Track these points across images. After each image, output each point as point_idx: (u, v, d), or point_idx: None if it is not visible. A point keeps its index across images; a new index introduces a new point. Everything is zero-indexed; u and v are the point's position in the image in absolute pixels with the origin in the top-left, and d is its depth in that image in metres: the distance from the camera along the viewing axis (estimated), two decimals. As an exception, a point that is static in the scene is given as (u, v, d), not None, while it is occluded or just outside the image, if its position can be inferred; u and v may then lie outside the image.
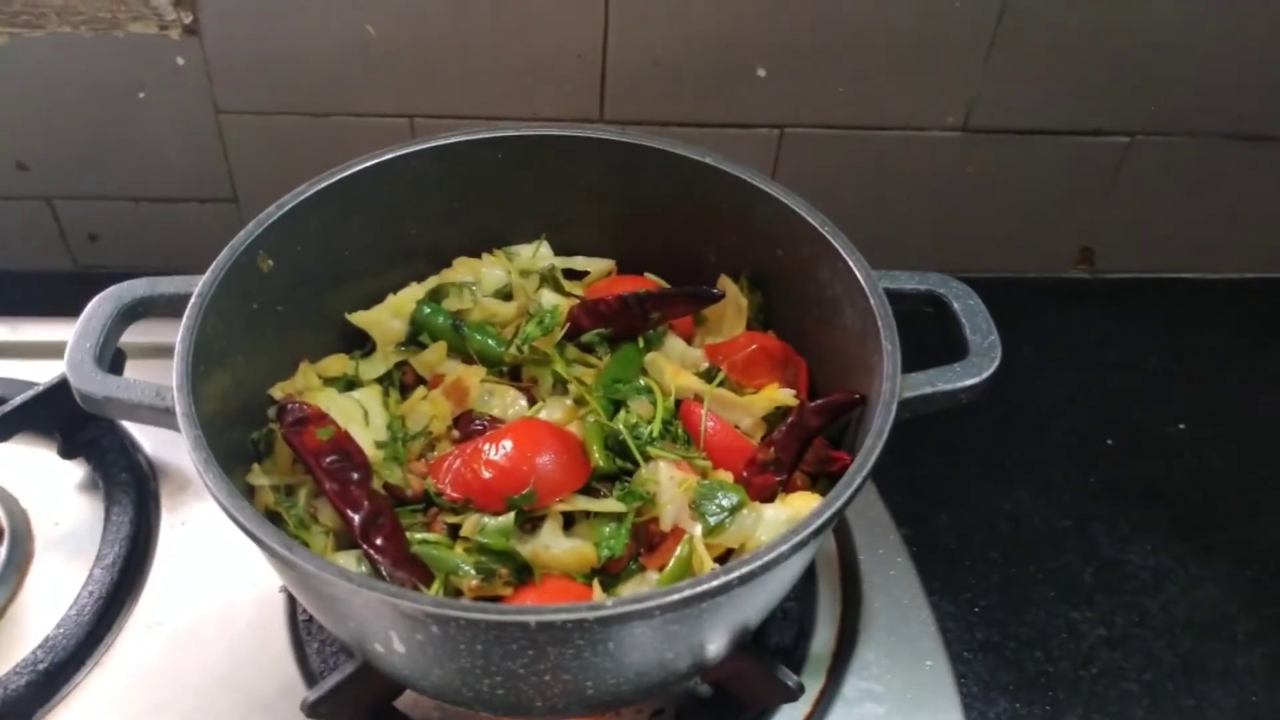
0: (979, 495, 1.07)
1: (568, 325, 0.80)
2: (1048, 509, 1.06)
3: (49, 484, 0.90)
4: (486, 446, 0.70)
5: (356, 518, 0.65)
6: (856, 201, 1.22)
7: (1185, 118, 1.18)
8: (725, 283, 0.82)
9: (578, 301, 0.83)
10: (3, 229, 1.19)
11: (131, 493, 0.86)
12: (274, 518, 0.69)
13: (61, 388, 0.86)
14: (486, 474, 0.68)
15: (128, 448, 0.91)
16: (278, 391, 0.75)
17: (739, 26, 1.07)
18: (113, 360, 0.70)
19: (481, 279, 0.84)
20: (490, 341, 0.80)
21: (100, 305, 0.69)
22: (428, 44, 1.07)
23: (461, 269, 0.85)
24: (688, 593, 0.53)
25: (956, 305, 0.71)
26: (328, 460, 0.68)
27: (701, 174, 0.79)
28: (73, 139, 1.13)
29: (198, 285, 0.68)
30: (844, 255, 0.71)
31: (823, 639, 0.83)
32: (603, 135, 0.81)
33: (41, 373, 0.96)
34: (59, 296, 1.19)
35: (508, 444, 0.69)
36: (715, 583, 0.53)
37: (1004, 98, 1.15)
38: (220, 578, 0.84)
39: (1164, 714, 0.89)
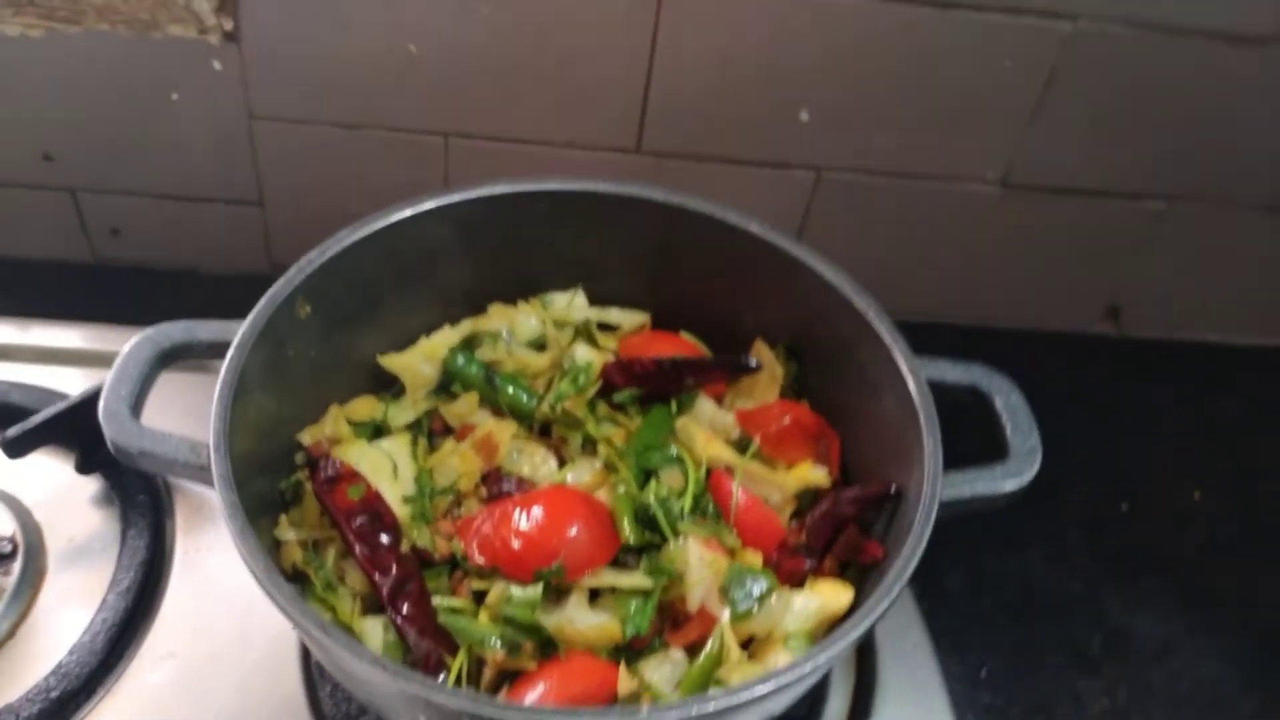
0: (990, 555, 1.06)
1: (600, 382, 0.80)
2: (1059, 573, 1.06)
3: (64, 496, 0.89)
4: (517, 514, 0.69)
5: (385, 583, 0.65)
6: (886, 243, 1.21)
7: (1224, 187, 1.18)
8: (761, 350, 0.81)
9: (612, 359, 0.82)
10: (24, 217, 1.18)
11: (149, 515, 0.85)
12: (300, 575, 0.68)
13: (85, 405, 0.85)
14: (516, 543, 0.68)
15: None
16: (307, 437, 0.74)
17: (786, 71, 1.05)
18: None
19: (516, 328, 0.83)
20: (523, 395, 0.79)
21: (137, 349, 0.68)
22: (470, 66, 1.05)
23: (496, 317, 0.84)
24: (724, 703, 0.53)
25: (999, 401, 0.70)
26: (358, 521, 0.67)
27: (744, 240, 0.78)
28: (100, 133, 1.11)
29: (236, 334, 0.67)
30: (886, 341, 0.70)
31: (835, 709, 0.83)
32: (648, 195, 0.80)
33: (53, 378, 0.97)
34: (76, 288, 1.19)
35: (538, 512, 0.69)
36: (750, 695, 0.53)
37: (1045, 157, 1.14)
38: (234, 609, 0.83)
39: (1162, 791, 0.89)
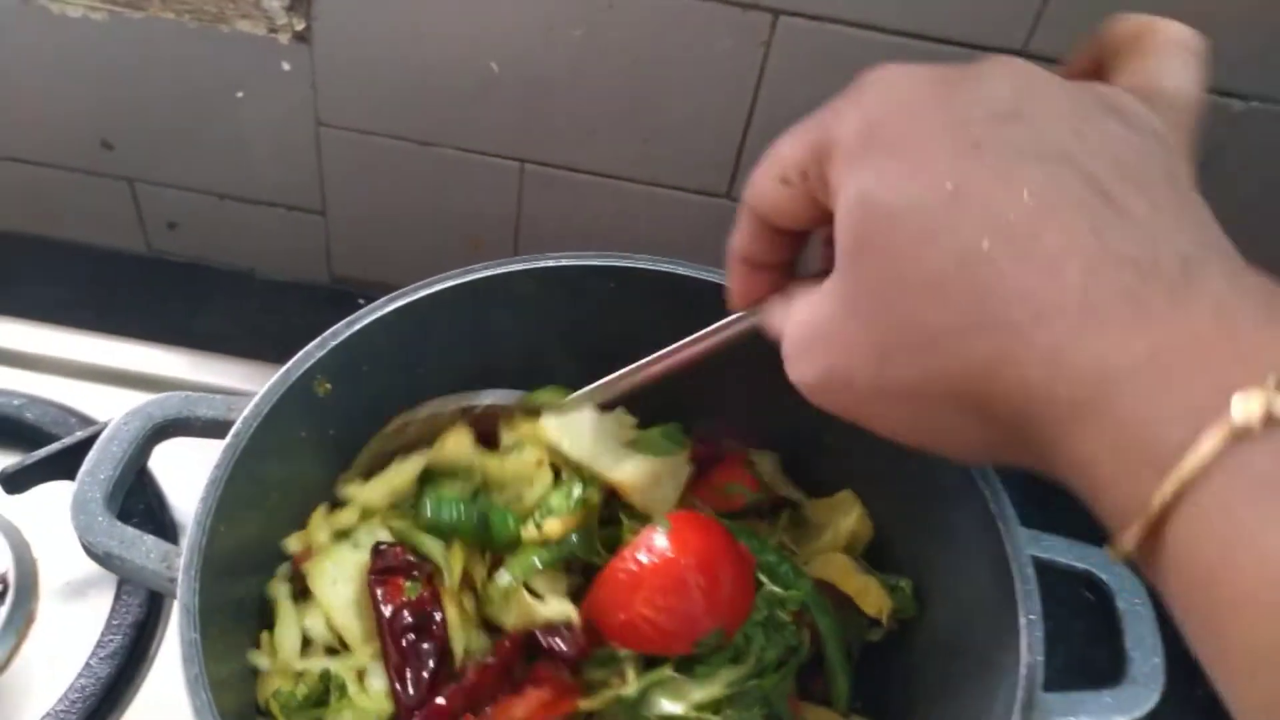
0: None
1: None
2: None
3: (67, 530, 0.82)
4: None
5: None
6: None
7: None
8: (848, 502, 0.70)
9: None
10: (81, 203, 1.13)
11: (149, 570, 0.78)
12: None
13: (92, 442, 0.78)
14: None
15: (154, 509, 0.83)
16: (293, 543, 0.65)
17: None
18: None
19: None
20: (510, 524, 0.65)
21: (125, 424, 0.59)
22: (553, 92, 0.96)
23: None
24: None
25: (1120, 605, 0.58)
26: (405, 623, 0.59)
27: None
28: (161, 125, 1.05)
29: (239, 416, 0.58)
30: (990, 505, 0.59)
31: None
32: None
33: (83, 395, 0.90)
34: (129, 279, 1.14)
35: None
36: None
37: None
38: (226, 685, 0.75)
39: None
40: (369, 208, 1.10)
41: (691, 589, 0.58)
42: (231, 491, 0.56)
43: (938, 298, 0.34)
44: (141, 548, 0.55)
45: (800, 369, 0.42)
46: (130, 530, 0.55)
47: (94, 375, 0.93)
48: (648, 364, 0.58)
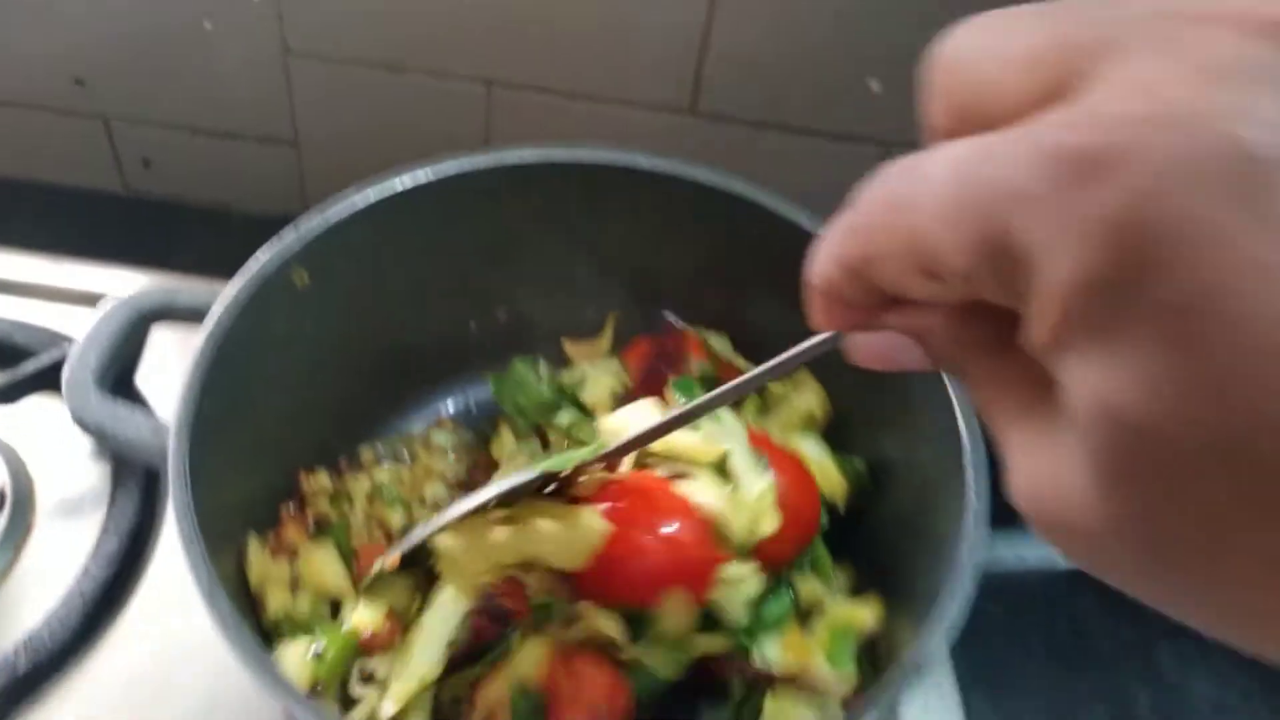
0: (1037, 588, 0.98)
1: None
2: (1111, 617, 0.96)
3: (58, 444, 0.84)
4: None
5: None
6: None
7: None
8: (806, 380, 0.73)
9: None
10: (56, 143, 1.14)
11: (139, 477, 0.81)
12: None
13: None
14: None
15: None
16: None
17: (855, 35, 0.96)
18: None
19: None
20: None
21: (113, 313, 0.62)
22: (514, 9, 0.98)
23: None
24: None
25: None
26: None
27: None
28: (132, 59, 1.06)
29: (220, 301, 0.61)
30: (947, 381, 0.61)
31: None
32: (703, 178, 0.72)
33: (68, 319, 0.92)
34: (107, 219, 1.16)
35: None
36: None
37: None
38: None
39: None
40: (339, 136, 1.12)
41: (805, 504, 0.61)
42: (215, 374, 0.59)
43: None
44: (133, 422, 0.57)
45: (1052, 544, 0.28)
46: (121, 407, 0.58)
47: (82, 300, 0.94)
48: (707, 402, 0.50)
